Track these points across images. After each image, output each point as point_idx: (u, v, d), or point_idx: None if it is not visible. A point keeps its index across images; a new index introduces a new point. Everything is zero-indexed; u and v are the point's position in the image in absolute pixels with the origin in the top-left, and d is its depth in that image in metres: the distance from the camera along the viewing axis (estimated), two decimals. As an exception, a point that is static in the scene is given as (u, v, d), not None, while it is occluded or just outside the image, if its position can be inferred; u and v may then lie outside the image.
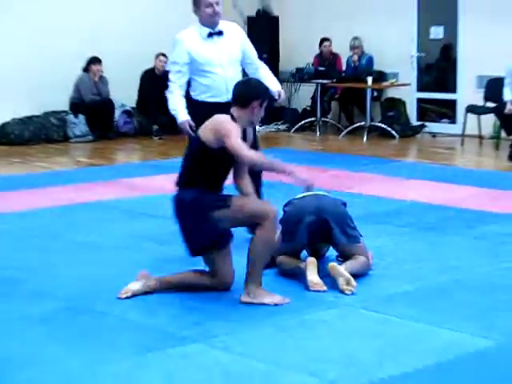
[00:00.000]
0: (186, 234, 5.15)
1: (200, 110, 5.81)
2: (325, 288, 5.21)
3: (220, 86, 5.98)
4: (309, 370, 4.04)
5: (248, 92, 5.10)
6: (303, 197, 5.63)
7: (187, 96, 6.17)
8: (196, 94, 6.15)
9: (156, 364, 4.14)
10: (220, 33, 6.03)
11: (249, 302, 5.02)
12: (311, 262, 5.37)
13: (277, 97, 6.06)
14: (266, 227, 4.97)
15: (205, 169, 5.07)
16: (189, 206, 5.08)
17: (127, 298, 5.08)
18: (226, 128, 4.92)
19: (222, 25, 6.09)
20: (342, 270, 5.24)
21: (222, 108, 5.25)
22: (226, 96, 5.82)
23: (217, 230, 5.03)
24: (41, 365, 4.13)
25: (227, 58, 6.02)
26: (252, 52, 6.20)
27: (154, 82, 12.55)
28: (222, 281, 5.14)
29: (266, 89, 5.29)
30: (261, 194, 6.17)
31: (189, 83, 6.16)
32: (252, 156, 4.92)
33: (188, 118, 6.02)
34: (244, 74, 6.19)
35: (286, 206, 5.67)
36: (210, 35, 6.02)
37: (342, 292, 5.16)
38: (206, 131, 5.03)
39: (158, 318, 4.80)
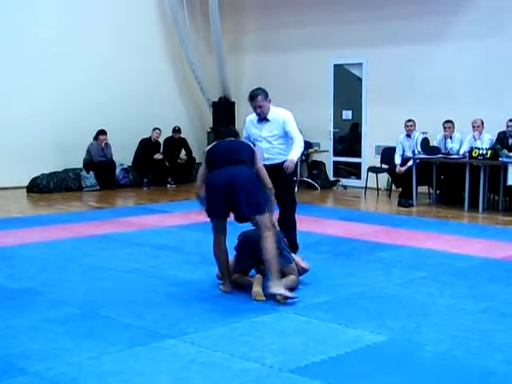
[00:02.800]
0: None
1: None
2: (264, 298, 5.18)
3: (262, 153, 6.10)
4: (253, 358, 4.04)
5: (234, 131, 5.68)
6: (252, 229, 5.61)
7: None
8: None
9: (143, 355, 4.11)
10: (266, 120, 6.15)
11: (275, 292, 5.07)
12: (258, 278, 5.36)
13: (284, 164, 6.04)
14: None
15: None
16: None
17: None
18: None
19: (272, 113, 6.16)
20: (281, 291, 5.13)
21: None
22: (265, 160, 6.00)
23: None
24: (58, 357, 4.07)
25: (267, 136, 6.15)
26: (289, 130, 6.14)
27: (148, 148, 12.55)
28: None
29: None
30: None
31: None
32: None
33: None
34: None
35: (239, 235, 5.64)
36: (260, 121, 6.20)
37: (278, 302, 5.14)
38: None
39: (145, 320, 4.75)
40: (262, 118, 6.16)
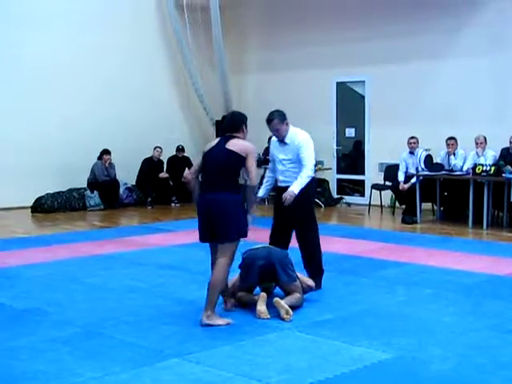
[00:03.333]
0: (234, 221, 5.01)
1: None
2: (268, 316, 5.18)
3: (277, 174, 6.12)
4: (257, 376, 4.02)
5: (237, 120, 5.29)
6: (257, 248, 5.62)
7: None
8: None
9: (148, 374, 4.09)
10: (285, 142, 6.06)
11: (208, 323, 4.96)
12: (262, 296, 5.34)
13: (283, 195, 5.90)
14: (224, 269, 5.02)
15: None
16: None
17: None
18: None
19: (290, 136, 6.04)
20: (283, 304, 5.23)
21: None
22: (281, 183, 6.04)
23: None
24: (61, 377, 4.05)
25: (282, 159, 6.07)
26: (302, 156, 5.97)
27: (150, 167, 12.59)
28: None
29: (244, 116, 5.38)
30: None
31: None
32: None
33: (261, 194, 6.24)
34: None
35: (244, 253, 5.62)
36: (280, 141, 6.12)
37: (282, 320, 5.14)
38: None
39: (148, 340, 4.73)
40: (281, 140, 6.08)
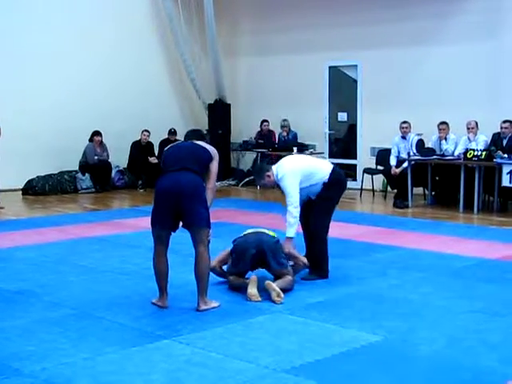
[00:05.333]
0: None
1: None
2: (260, 299, 5.20)
3: None
4: (248, 358, 4.04)
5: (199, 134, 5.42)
6: (247, 234, 5.63)
7: None
8: None
9: (138, 355, 4.11)
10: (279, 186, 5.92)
11: (205, 308, 4.98)
12: (253, 279, 5.35)
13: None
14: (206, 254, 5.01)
15: None
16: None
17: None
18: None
19: (277, 179, 5.85)
20: (275, 286, 5.25)
21: None
22: None
23: None
24: (53, 357, 4.07)
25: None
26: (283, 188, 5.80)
27: (139, 151, 12.56)
28: None
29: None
30: None
31: None
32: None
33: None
34: None
35: (234, 240, 5.64)
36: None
37: (273, 302, 5.17)
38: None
39: (139, 321, 4.75)
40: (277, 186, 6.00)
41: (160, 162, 5.35)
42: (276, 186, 5.99)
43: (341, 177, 6.11)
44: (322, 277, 5.90)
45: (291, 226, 5.68)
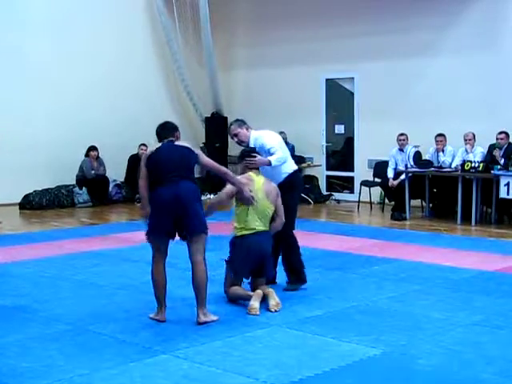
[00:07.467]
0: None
1: None
2: (258, 313, 5.20)
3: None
4: (246, 373, 4.02)
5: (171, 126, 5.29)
6: (247, 236, 5.48)
7: None
8: None
9: (136, 370, 4.08)
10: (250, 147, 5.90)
11: (205, 321, 4.97)
12: (258, 293, 5.35)
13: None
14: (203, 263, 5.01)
15: None
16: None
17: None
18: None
19: (254, 138, 5.91)
20: (276, 296, 5.32)
21: None
22: None
23: None
24: (50, 374, 4.04)
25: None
26: (269, 148, 5.80)
27: (137, 164, 12.48)
28: None
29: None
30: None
31: None
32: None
33: None
34: None
35: (232, 243, 5.56)
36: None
37: (269, 310, 5.22)
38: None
39: (137, 336, 4.73)
40: (246, 146, 5.93)
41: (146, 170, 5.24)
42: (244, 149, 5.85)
43: (301, 181, 6.26)
44: (302, 282, 5.93)
45: (275, 161, 5.71)
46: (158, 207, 4.97)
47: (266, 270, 5.54)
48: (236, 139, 6.00)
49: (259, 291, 5.37)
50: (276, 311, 5.22)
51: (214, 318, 5.06)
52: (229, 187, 5.46)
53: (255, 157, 5.68)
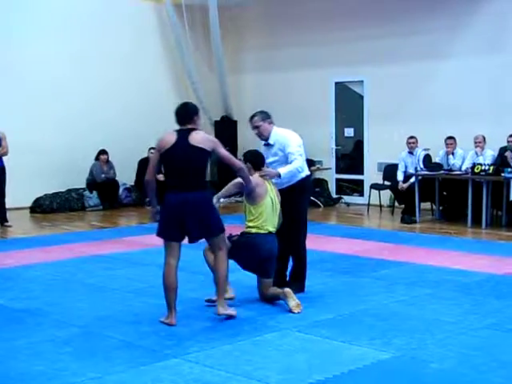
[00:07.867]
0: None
1: None
2: (301, 307, 5.28)
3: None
4: (257, 377, 4.02)
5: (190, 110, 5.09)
6: (260, 238, 5.44)
7: None
8: None
9: (147, 374, 4.09)
10: (269, 144, 5.83)
11: (225, 313, 5.05)
12: (288, 292, 5.37)
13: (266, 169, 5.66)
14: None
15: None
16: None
17: None
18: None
19: (274, 136, 5.81)
20: (294, 296, 5.35)
21: None
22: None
23: None
24: (62, 377, 4.05)
25: (271, 161, 5.79)
26: (289, 153, 5.73)
27: (146, 168, 12.52)
28: None
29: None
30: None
31: None
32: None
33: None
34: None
35: (239, 240, 5.52)
36: (265, 146, 5.91)
37: (290, 311, 5.26)
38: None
39: (148, 340, 4.74)
40: (266, 143, 5.86)
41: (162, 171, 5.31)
42: (265, 144, 5.80)
43: (312, 186, 6.18)
44: (301, 290, 5.86)
45: (290, 172, 5.65)
46: (167, 212, 5.07)
47: (272, 271, 5.53)
48: (256, 131, 5.82)
49: (287, 289, 5.40)
50: (299, 312, 5.23)
51: (233, 312, 5.09)
52: (238, 179, 5.42)
53: (262, 164, 5.59)
